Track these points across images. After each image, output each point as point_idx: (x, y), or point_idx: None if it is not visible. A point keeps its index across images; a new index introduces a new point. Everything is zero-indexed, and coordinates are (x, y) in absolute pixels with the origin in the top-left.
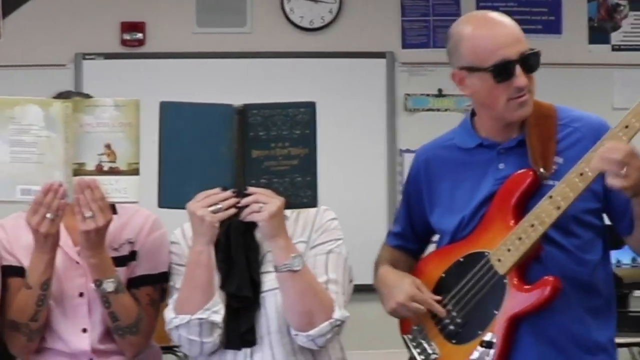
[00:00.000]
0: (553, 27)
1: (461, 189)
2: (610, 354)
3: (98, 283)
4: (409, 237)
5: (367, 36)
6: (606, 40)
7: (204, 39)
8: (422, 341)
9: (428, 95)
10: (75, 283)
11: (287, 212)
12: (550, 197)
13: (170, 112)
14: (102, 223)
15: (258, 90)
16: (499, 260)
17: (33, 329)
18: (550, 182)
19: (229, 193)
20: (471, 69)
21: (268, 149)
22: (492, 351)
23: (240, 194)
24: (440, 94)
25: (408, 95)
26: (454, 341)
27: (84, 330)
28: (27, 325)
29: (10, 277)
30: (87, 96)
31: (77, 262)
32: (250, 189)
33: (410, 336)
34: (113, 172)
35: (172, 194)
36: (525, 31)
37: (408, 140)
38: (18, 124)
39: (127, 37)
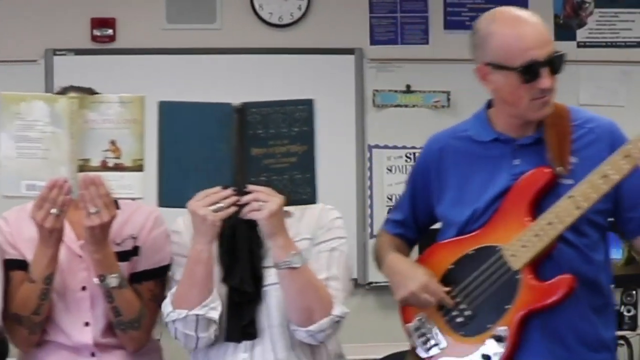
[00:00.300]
0: None
1: (473, 182)
2: (612, 353)
3: (102, 278)
4: (410, 226)
5: (335, 33)
6: (572, 37)
7: (173, 35)
8: (428, 331)
9: (396, 91)
10: (78, 277)
11: (292, 209)
12: (571, 196)
13: (169, 112)
14: (107, 219)
15: (229, 86)
16: (513, 255)
17: (35, 322)
18: (566, 182)
19: (229, 191)
20: (497, 66)
21: (267, 147)
22: (502, 345)
23: (240, 192)
24: (408, 90)
25: (376, 91)
26: (461, 333)
27: (86, 324)
28: (30, 319)
29: (13, 270)
30: (91, 91)
31: (80, 257)
32: (250, 187)
33: (413, 325)
34: (118, 168)
35: (172, 193)
36: None
37: (377, 137)
38: (24, 119)
39: (97, 33)
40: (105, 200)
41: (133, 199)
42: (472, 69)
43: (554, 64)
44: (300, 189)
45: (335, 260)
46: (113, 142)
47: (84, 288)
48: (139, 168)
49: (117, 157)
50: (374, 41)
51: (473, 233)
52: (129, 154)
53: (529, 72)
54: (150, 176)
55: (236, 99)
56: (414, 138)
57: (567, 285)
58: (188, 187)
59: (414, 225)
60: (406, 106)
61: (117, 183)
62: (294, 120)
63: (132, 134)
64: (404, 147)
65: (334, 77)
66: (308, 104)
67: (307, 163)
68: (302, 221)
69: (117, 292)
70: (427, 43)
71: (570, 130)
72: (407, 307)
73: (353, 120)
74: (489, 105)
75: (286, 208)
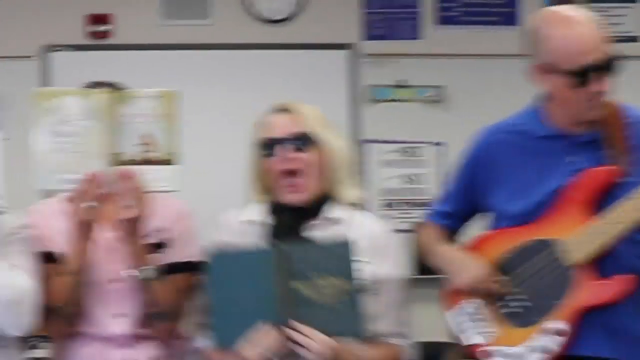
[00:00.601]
0: (510, 18)
1: (528, 175)
2: None
3: (136, 270)
4: (459, 217)
5: (328, 28)
6: None
7: (168, 30)
8: (481, 318)
9: (390, 86)
10: (111, 269)
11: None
12: (634, 198)
13: (217, 260)
14: (141, 212)
15: (223, 82)
16: (569, 251)
17: (70, 314)
18: (626, 180)
19: (275, 333)
20: (551, 68)
21: (308, 282)
22: (558, 338)
23: (285, 326)
24: (401, 85)
25: (370, 86)
26: (513, 322)
27: (120, 316)
28: (64, 310)
29: (45, 262)
30: (119, 86)
31: (114, 249)
32: (295, 325)
33: (464, 311)
34: (152, 161)
35: (223, 336)
36: (482, 23)
37: (371, 131)
38: (59, 114)
39: (93, 28)
40: (139, 193)
41: (167, 192)
42: (527, 67)
43: (608, 67)
44: (344, 322)
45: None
46: (147, 136)
47: (118, 280)
48: (173, 161)
49: (151, 151)
50: (367, 36)
51: (527, 225)
52: (163, 147)
53: (582, 75)
54: (183, 169)
55: (232, 95)
56: (408, 132)
57: (627, 285)
58: (237, 328)
59: (462, 216)
60: (400, 101)
61: (151, 176)
62: (335, 259)
63: (167, 127)
64: (398, 142)
65: (327, 73)
66: (345, 244)
67: (350, 298)
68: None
69: (151, 283)
70: (420, 38)
71: (626, 128)
72: (454, 294)
73: (347, 115)
74: (541, 99)
75: None
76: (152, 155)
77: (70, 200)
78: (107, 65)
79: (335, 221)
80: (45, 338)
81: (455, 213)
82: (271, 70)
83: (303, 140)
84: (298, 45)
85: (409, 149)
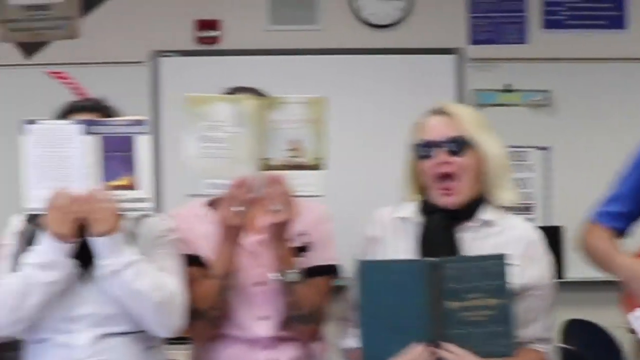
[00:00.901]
0: (617, 21)
1: None
2: None
3: (282, 273)
4: (630, 218)
5: (435, 33)
6: None
7: (276, 36)
8: None
9: (495, 90)
10: (254, 272)
11: None
12: None
13: (369, 271)
14: (289, 217)
15: (329, 87)
16: None
17: (214, 317)
18: None
19: (426, 352)
20: None
21: (463, 300)
22: None
23: (437, 346)
24: (507, 89)
25: (476, 91)
26: None
27: (264, 318)
28: (209, 313)
29: (189, 265)
30: (258, 91)
31: (259, 252)
32: (446, 346)
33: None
34: (299, 167)
35: (374, 350)
36: (589, 26)
37: None
38: (209, 120)
39: (201, 34)
40: (287, 198)
41: (314, 197)
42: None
43: None
44: (496, 341)
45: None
46: (295, 142)
47: (261, 283)
48: (320, 167)
49: (299, 156)
50: (473, 41)
51: None
52: (311, 153)
53: None
54: (329, 175)
55: (338, 99)
56: (514, 137)
57: None
58: (388, 343)
59: (633, 218)
60: (505, 105)
61: (299, 181)
62: (488, 275)
63: (315, 133)
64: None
65: (433, 77)
66: (499, 259)
67: (502, 316)
68: None
69: (296, 287)
70: (526, 42)
71: None
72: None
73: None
74: None
75: None
76: (299, 160)
77: (219, 204)
78: (215, 70)
79: (487, 223)
80: (184, 340)
81: (627, 214)
82: (378, 75)
83: (459, 144)
84: (405, 50)
85: (514, 154)
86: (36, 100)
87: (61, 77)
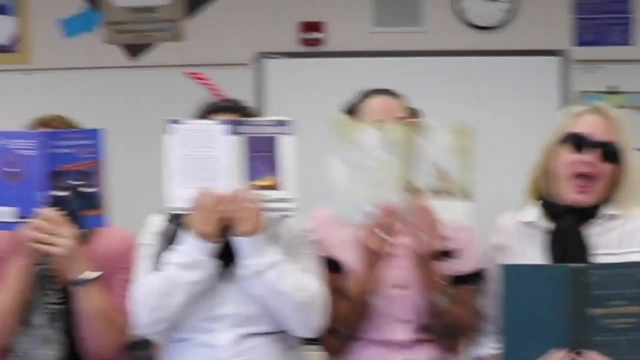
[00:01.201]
0: None
1: None
2: None
3: (431, 297)
4: None
5: (539, 34)
6: None
7: (380, 38)
8: None
9: (600, 92)
10: (393, 275)
11: None
12: None
13: (513, 275)
14: (434, 245)
15: (432, 89)
16: None
17: (346, 336)
18: None
19: (566, 357)
20: None
21: (606, 307)
22: None
23: (580, 355)
24: (612, 91)
25: (581, 92)
26: None
27: (402, 321)
28: (343, 332)
29: (328, 270)
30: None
31: (396, 255)
32: (590, 355)
33: None
34: (445, 194)
35: (515, 356)
36: None
37: None
38: (356, 146)
39: (306, 36)
40: (434, 227)
41: (461, 226)
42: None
43: None
44: (638, 350)
45: None
46: (441, 169)
47: (399, 286)
48: (466, 196)
49: (445, 184)
50: (577, 42)
51: None
52: (456, 181)
53: None
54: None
55: (441, 101)
56: None
57: None
58: (528, 349)
59: None
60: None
61: (444, 209)
62: (633, 282)
63: (461, 162)
64: None
65: (538, 79)
66: None
67: None
68: None
69: (443, 309)
70: (631, 43)
71: None
72: None
73: (557, 122)
74: None
75: None
76: (446, 188)
77: (365, 230)
78: (319, 72)
79: (612, 217)
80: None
81: None
82: (482, 77)
83: (611, 151)
84: (509, 52)
85: None
86: (141, 101)
87: (199, 79)
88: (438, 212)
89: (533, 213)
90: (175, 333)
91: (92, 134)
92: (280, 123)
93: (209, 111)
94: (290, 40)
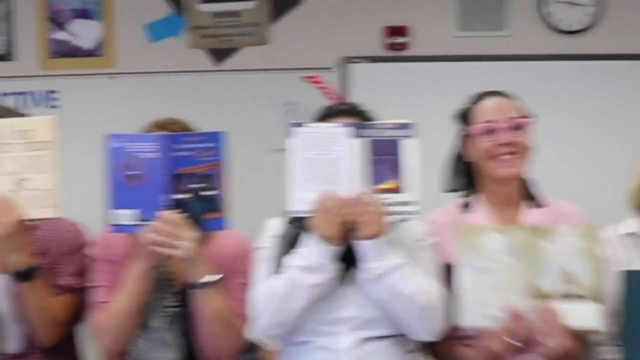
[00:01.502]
0: None
1: None
2: None
3: None
4: None
5: (626, 38)
6: None
7: (464, 42)
8: None
9: None
10: None
11: None
12: None
13: (635, 280)
14: (563, 349)
15: (517, 93)
16: None
17: None
18: None
19: None
20: None
21: None
22: None
23: None
24: None
25: None
26: None
27: None
28: None
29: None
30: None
31: None
32: None
33: None
34: (573, 298)
35: None
36: None
37: None
38: (482, 251)
39: (391, 40)
40: (561, 332)
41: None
42: None
43: None
44: None
45: None
46: (568, 272)
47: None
48: (595, 298)
49: (573, 288)
50: None
51: None
52: (583, 284)
53: None
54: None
55: (527, 106)
56: None
57: None
58: None
59: None
60: None
61: (572, 313)
62: None
63: (586, 264)
64: None
65: (624, 84)
66: None
67: None
68: None
69: None
70: None
71: None
72: None
73: None
74: None
75: None
76: (573, 291)
77: (493, 337)
78: (404, 76)
79: None
80: None
81: None
82: (568, 82)
83: None
84: (595, 57)
85: None
86: (225, 105)
87: (316, 82)
88: (566, 317)
89: (634, 224)
90: (295, 336)
91: (214, 136)
92: (403, 126)
93: (328, 114)
94: (375, 45)
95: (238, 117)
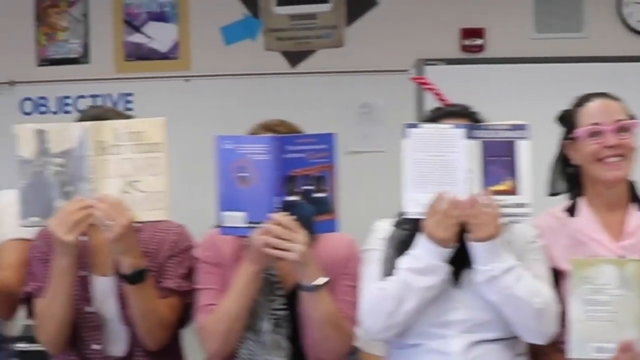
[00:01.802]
0: None
1: None
2: None
3: None
4: None
5: None
6: None
7: (541, 44)
8: None
9: None
10: None
11: None
12: None
13: None
14: None
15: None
16: None
17: None
18: None
19: None
20: None
21: None
22: None
23: None
24: None
25: None
26: None
27: None
28: None
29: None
30: None
31: None
32: None
33: None
34: None
35: None
36: None
37: None
38: (593, 283)
39: (467, 42)
40: None
41: None
42: None
43: None
44: None
45: None
46: None
47: None
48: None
49: None
50: None
51: None
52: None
53: None
54: None
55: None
56: None
57: None
58: None
59: None
60: None
61: None
62: None
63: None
64: None
65: None
66: None
67: None
68: None
69: None
70: None
71: None
72: None
73: None
74: None
75: None
76: None
77: None
78: (480, 78)
79: None
80: None
81: None
82: None
83: None
84: None
85: None
86: (301, 108)
87: (423, 84)
88: None
89: None
90: (405, 339)
91: (326, 138)
92: (518, 127)
93: (438, 116)
94: (451, 47)
95: (313, 120)
